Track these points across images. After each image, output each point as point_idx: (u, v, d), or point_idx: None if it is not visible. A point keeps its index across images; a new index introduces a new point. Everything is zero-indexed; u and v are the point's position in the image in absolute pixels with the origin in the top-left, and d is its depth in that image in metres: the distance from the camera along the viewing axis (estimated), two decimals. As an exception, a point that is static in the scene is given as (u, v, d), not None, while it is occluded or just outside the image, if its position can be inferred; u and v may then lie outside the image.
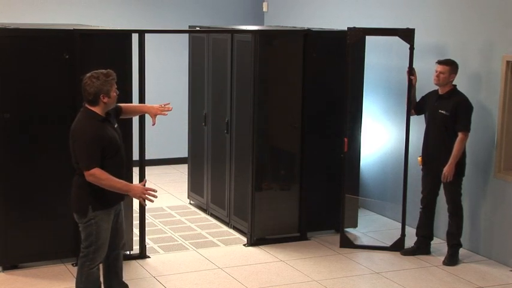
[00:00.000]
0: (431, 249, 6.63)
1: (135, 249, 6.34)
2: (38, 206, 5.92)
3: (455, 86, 6.30)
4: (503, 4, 6.33)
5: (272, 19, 10.16)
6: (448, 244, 6.45)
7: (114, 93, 4.87)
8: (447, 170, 6.20)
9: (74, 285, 5.10)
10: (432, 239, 6.65)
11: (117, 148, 4.88)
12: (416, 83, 6.56)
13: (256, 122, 6.65)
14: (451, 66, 6.24)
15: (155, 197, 4.91)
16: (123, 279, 5.27)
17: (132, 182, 5.90)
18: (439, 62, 6.28)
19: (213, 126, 7.54)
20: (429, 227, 6.59)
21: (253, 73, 6.60)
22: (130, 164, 5.96)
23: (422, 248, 6.60)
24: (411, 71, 6.49)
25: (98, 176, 4.72)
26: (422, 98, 6.54)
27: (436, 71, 6.27)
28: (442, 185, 6.38)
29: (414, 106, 6.56)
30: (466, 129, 6.19)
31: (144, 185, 5.00)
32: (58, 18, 9.09)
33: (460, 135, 6.17)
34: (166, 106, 5.35)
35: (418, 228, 6.63)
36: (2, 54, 5.69)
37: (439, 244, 6.73)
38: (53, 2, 9.40)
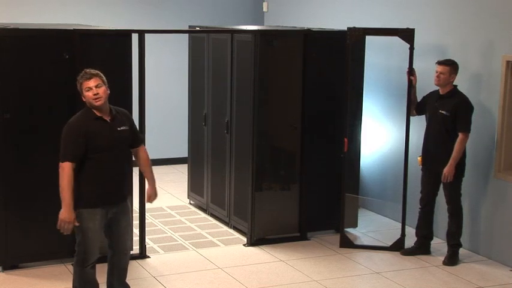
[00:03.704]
0: (431, 249, 6.63)
1: (135, 249, 6.32)
2: (38, 206, 5.91)
3: (455, 86, 6.30)
4: (503, 4, 6.33)
5: (272, 19, 10.16)
6: (448, 244, 6.45)
7: (87, 92, 4.80)
8: (447, 170, 6.19)
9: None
10: (432, 239, 6.65)
11: (101, 148, 4.79)
12: (417, 83, 6.56)
13: (256, 122, 6.65)
14: (451, 66, 6.23)
15: (67, 232, 4.80)
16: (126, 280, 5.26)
17: (132, 183, 5.88)
18: (439, 63, 6.27)
19: (213, 126, 7.54)
20: (429, 227, 6.59)
21: (253, 73, 6.60)
22: (131, 164, 5.95)
23: (422, 248, 6.60)
24: (411, 71, 6.49)
25: (62, 173, 4.68)
26: (423, 98, 6.54)
27: (437, 72, 6.26)
28: (441, 185, 6.39)
29: (415, 106, 6.56)
30: (467, 129, 6.18)
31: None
32: (58, 18, 9.09)
33: (460, 135, 6.17)
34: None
35: (418, 228, 6.63)
36: (2, 54, 5.69)
37: (439, 244, 6.73)
38: (52, 2, 9.39)
